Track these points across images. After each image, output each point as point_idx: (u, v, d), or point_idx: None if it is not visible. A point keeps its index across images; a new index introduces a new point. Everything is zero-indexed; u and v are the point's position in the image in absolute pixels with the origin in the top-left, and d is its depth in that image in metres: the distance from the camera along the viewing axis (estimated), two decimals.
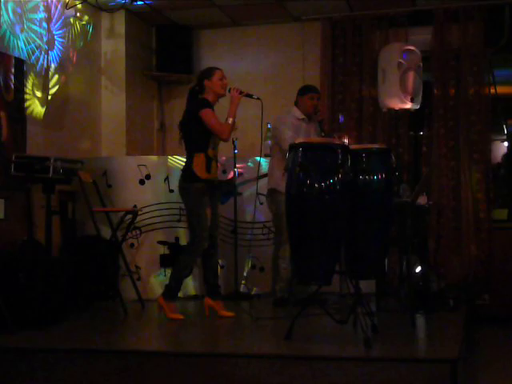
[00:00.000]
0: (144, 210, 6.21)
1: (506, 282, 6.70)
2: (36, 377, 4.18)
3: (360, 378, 3.84)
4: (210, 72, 5.37)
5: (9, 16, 5.76)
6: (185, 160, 5.36)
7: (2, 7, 5.67)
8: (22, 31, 5.92)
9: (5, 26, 5.71)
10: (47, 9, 6.31)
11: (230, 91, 5.36)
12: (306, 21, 7.44)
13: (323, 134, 5.85)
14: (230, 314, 5.35)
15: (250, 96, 5.44)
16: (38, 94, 6.14)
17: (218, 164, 5.45)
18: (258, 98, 5.43)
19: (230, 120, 5.24)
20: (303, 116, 5.99)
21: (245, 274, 6.48)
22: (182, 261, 5.29)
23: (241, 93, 5.35)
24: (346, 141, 7.01)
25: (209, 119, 5.20)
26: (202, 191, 5.21)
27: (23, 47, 5.93)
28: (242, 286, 6.42)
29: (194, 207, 5.22)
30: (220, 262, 6.55)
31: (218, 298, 5.43)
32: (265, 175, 6.29)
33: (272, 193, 5.94)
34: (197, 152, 5.22)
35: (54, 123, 6.39)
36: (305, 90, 6.03)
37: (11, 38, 5.78)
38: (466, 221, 6.90)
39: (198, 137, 5.23)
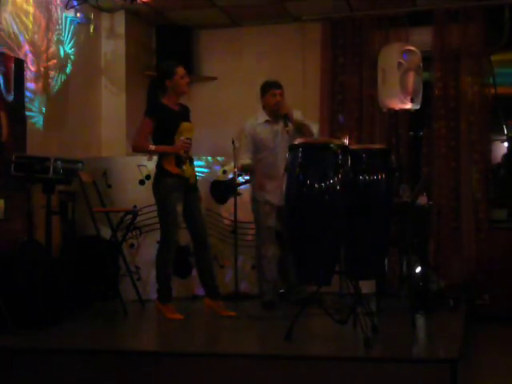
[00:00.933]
0: (144, 210, 6.20)
1: (506, 281, 6.70)
2: (36, 377, 4.18)
3: (360, 377, 3.84)
4: (171, 71, 5.30)
5: (8, 14, 5.76)
6: None
7: (2, 5, 5.67)
8: (21, 30, 5.91)
9: (4, 24, 5.70)
10: (47, 9, 6.30)
11: (181, 138, 5.23)
12: (306, 21, 7.44)
13: (287, 130, 5.60)
14: (231, 313, 5.35)
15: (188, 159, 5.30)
16: (37, 93, 6.14)
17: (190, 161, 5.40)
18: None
19: (152, 147, 5.21)
20: (266, 118, 5.84)
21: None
22: (159, 259, 5.31)
23: (185, 152, 5.23)
24: (346, 141, 7.01)
25: (139, 127, 5.27)
26: (172, 187, 5.20)
27: (23, 46, 5.93)
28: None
29: (164, 202, 5.22)
30: (220, 262, 6.59)
31: (218, 298, 5.43)
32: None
33: (252, 200, 5.95)
34: None
35: (54, 123, 6.39)
36: (265, 87, 5.84)
37: (10, 36, 5.78)
38: (466, 221, 6.90)
39: (161, 135, 5.24)
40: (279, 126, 5.77)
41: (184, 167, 5.24)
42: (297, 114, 5.77)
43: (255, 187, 5.90)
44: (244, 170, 5.92)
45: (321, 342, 4.49)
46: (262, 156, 5.81)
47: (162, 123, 5.24)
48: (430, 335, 4.94)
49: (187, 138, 5.24)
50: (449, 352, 3.96)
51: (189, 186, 5.30)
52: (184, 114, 5.38)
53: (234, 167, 6.36)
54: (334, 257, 4.39)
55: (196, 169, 5.53)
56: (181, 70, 5.31)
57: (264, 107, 5.87)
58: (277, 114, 5.76)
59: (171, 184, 5.20)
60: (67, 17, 6.62)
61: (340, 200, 4.27)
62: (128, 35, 7.32)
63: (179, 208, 5.22)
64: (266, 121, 5.85)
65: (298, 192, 4.29)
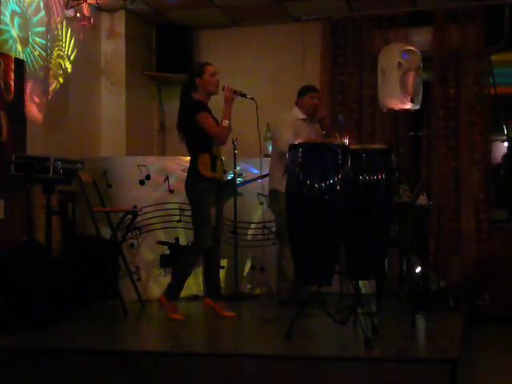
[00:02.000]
0: (144, 210, 6.20)
1: (506, 282, 6.70)
2: (36, 377, 4.17)
3: (360, 377, 3.84)
4: (201, 69, 5.32)
5: (8, 14, 5.76)
6: (186, 160, 5.35)
7: (2, 5, 5.67)
8: (21, 30, 5.91)
9: (4, 24, 5.70)
10: (47, 9, 6.31)
11: (223, 89, 5.32)
12: (306, 21, 7.44)
13: (324, 133, 5.89)
14: (230, 314, 5.35)
15: (243, 95, 5.40)
16: (37, 93, 6.14)
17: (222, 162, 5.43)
18: (252, 98, 5.40)
19: (226, 122, 5.21)
20: (304, 116, 6.02)
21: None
22: (186, 259, 5.30)
23: (234, 92, 5.31)
24: (346, 141, 7.01)
25: (205, 124, 5.19)
26: (208, 190, 5.20)
27: (22, 46, 5.94)
28: None
29: (200, 206, 5.21)
30: (220, 262, 6.59)
31: (219, 298, 5.43)
32: (264, 176, 6.29)
33: (273, 193, 5.94)
34: (201, 152, 5.21)
35: (54, 123, 6.39)
36: (305, 90, 6.06)
37: (10, 36, 5.79)
38: (466, 221, 6.91)
39: (200, 137, 5.21)
40: (314, 127, 6.03)
41: (217, 169, 5.25)
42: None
43: (279, 179, 5.68)
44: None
45: (321, 342, 4.49)
46: None
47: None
48: (430, 335, 4.94)
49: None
50: (449, 352, 3.95)
51: (220, 186, 5.33)
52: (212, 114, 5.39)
53: (234, 167, 6.37)
54: (334, 257, 4.39)
55: None
56: (211, 69, 5.32)
57: (299, 106, 6.05)
58: (313, 115, 6.03)
59: (206, 188, 5.19)
60: (67, 17, 6.62)
61: (340, 200, 4.27)
62: (128, 35, 7.32)
63: (213, 211, 5.23)
64: (304, 119, 6.04)
65: (298, 192, 4.29)
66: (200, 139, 5.21)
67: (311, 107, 6.01)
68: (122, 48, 7.29)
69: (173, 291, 5.28)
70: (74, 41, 6.76)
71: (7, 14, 5.76)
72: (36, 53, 6.13)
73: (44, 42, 6.25)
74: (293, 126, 5.92)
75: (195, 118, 5.19)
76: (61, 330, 4.94)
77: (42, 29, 6.22)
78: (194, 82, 5.29)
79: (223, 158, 5.45)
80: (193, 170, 5.25)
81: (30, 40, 6.05)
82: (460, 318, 5.34)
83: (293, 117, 6.03)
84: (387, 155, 4.69)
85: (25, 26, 5.99)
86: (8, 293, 4.83)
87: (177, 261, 6.18)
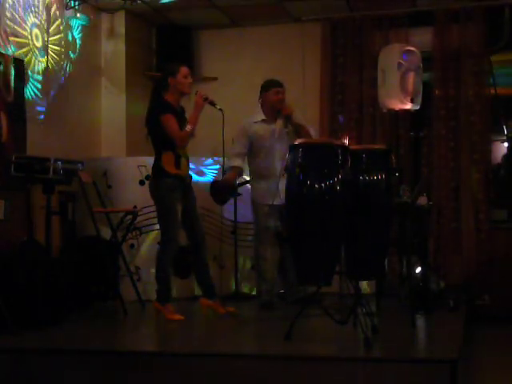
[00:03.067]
0: (144, 211, 6.20)
1: (506, 282, 6.70)
2: (36, 377, 4.18)
3: (360, 378, 3.84)
4: (174, 69, 5.30)
5: (8, 14, 5.76)
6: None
7: (2, 5, 5.67)
8: (20, 30, 5.91)
9: (4, 24, 5.70)
10: (47, 9, 6.30)
11: (195, 94, 5.31)
12: (306, 21, 7.44)
13: (287, 131, 5.63)
14: (230, 309, 5.37)
15: (213, 104, 5.38)
16: (37, 93, 6.14)
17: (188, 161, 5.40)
18: (220, 109, 5.38)
19: (189, 128, 5.19)
20: (262, 117, 5.80)
21: None
22: (159, 261, 5.28)
23: (205, 99, 5.28)
24: (346, 141, 7.01)
25: (167, 125, 5.18)
26: (172, 187, 5.19)
27: (22, 47, 5.93)
28: None
29: (164, 203, 5.21)
30: (220, 262, 6.59)
31: (215, 297, 5.43)
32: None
33: (252, 202, 5.93)
34: (165, 150, 5.22)
35: (54, 124, 6.39)
36: (268, 85, 5.81)
37: (10, 36, 5.78)
38: (466, 221, 6.90)
39: (165, 136, 5.20)
40: (276, 125, 5.76)
41: (181, 166, 5.24)
42: (296, 116, 5.76)
43: (252, 188, 5.89)
44: (229, 170, 5.85)
45: (321, 342, 4.49)
46: (258, 156, 5.80)
47: None
48: (430, 335, 4.94)
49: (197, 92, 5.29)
50: (449, 352, 3.95)
51: (186, 185, 5.30)
52: (183, 115, 5.39)
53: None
54: (334, 257, 4.39)
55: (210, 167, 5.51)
56: (184, 70, 5.30)
57: (262, 105, 5.83)
58: (278, 112, 5.73)
59: (170, 184, 5.19)
60: (67, 17, 6.62)
61: (340, 200, 4.27)
62: (128, 35, 7.32)
63: (179, 208, 5.22)
64: (263, 120, 5.81)
65: (298, 192, 4.29)
66: (164, 138, 5.20)
67: (276, 102, 5.73)
68: (121, 48, 7.28)
69: (162, 295, 5.28)
70: (74, 41, 6.76)
71: (9, 13, 5.75)
72: (36, 53, 6.12)
73: (43, 42, 6.24)
74: (245, 135, 5.78)
75: (159, 118, 5.20)
76: (61, 329, 4.94)
77: (41, 29, 6.20)
78: (167, 80, 5.29)
79: (189, 157, 5.41)
80: (156, 167, 5.25)
81: (31, 40, 6.04)
82: (460, 318, 5.34)
83: (248, 122, 5.82)
84: (387, 155, 4.69)
85: (25, 25, 5.98)
86: (8, 293, 4.83)
87: (177, 261, 6.20)
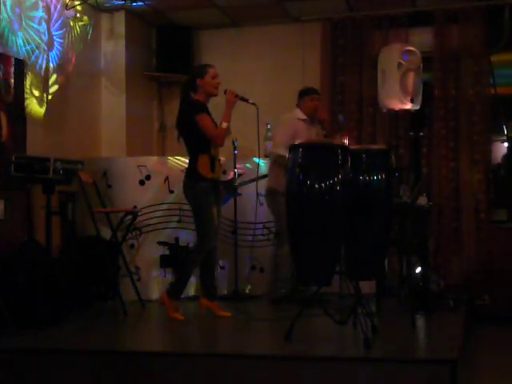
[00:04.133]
0: (144, 211, 6.20)
1: (506, 282, 6.70)
2: (36, 377, 4.18)
3: (360, 378, 3.84)
4: (202, 70, 5.33)
5: (7, 14, 5.75)
6: (186, 161, 5.35)
7: (2, 5, 5.67)
8: (20, 30, 5.91)
9: (4, 24, 5.70)
10: (47, 9, 6.31)
11: (225, 93, 5.33)
12: (306, 21, 7.44)
13: (325, 133, 5.98)
14: (226, 314, 5.35)
15: (245, 100, 5.41)
16: (37, 93, 6.14)
17: (220, 163, 5.45)
18: (254, 103, 5.39)
19: (225, 125, 5.22)
20: (305, 117, 6.08)
21: None
22: (192, 260, 5.30)
23: (236, 96, 5.32)
24: (346, 141, 7.01)
25: (204, 125, 5.19)
26: (208, 190, 5.21)
27: (22, 47, 5.93)
28: None
29: (202, 206, 5.21)
30: (220, 262, 6.59)
31: (215, 299, 5.43)
32: (264, 176, 6.29)
33: (270, 192, 5.98)
34: (200, 153, 5.22)
35: (54, 124, 6.39)
36: (306, 92, 6.14)
37: (10, 36, 5.78)
38: (466, 221, 6.90)
39: (200, 138, 5.21)
40: (314, 128, 6.13)
41: (216, 169, 5.26)
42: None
43: (276, 178, 5.85)
44: (279, 161, 5.86)
45: (321, 342, 4.49)
46: None
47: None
48: (430, 335, 4.94)
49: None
50: (449, 352, 3.96)
51: (218, 187, 5.34)
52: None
53: (234, 167, 6.38)
54: (334, 257, 4.39)
55: None
56: (213, 71, 5.32)
57: (300, 107, 6.13)
58: (313, 117, 6.11)
59: (207, 188, 5.20)
60: (67, 17, 6.62)
61: (340, 200, 4.27)
62: (128, 35, 7.32)
63: (215, 211, 5.24)
64: (304, 119, 6.09)
65: (298, 192, 4.29)
66: (199, 140, 5.21)
67: (312, 109, 6.09)
68: (122, 48, 7.28)
69: (176, 290, 5.30)
70: (74, 41, 6.76)
71: (6, 11, 5.74)
72: (35, 53, 6.12)
73: (43, 42, 6.24)
74: (292, 127, 5.96)
75: (194, 118, 5.19)
76: (61, 329, 4.94)
77: (41, 29, 6.20)
78: (195, 82, 5.30)
79: (221, 159, 5.45)
80: (192, 170, 5.25)
81: (30, 40, 6.03)
82: (460, 318, 5.34)
83: (293, 117, 6.08)
84: (387, 155, 4.69)
85: (24, 24, 5.98)
86: (8, 293, 4.83)
87: (177, 261, 6.20)
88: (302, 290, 5.71)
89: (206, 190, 5.20)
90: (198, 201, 5.22)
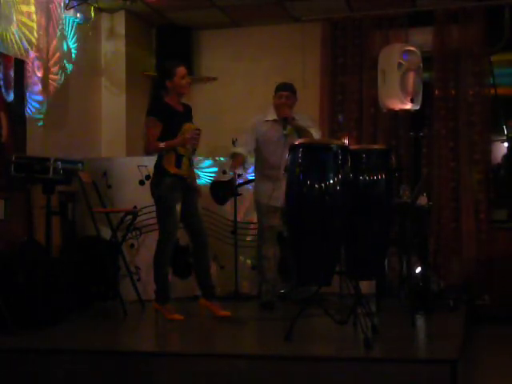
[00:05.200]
0: (144, 211, 6.19)
1: (506, 282, 6.70)
2: (36, 377, 4.18)
3: (360, 378, 3.84)
4: (171, 71, 5.25)
5: (6, 13, 5.75)
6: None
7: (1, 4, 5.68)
8: (20, 30, 5.91)
9: (3, 23, 5.70)
10: (47, 9, 6.30)
11: (190, 132, 5.18)
12: (306, 21, 7.44)
13: (285, 133, 5.64)
14: (226, 313, 5.34)
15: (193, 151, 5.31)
16: (37, 93, 6.14)
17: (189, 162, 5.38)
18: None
19: (162, 145, 5.13)
20: (274, 117, 5.84)
21: None
22: (157, 260, 5.26)
23: (193, 138, 5.18)
24: (346, 141, 7.02)
25: (146, 127, 5.21)
26: (172, 186, 5.18)
27: (22, 47, 5.93)
28: None
29: (163, 202, 5.19)
30: (220, 262, 6.59)
31: (214, 299, 5.42)
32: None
33: (254, 198, 5.97)
34: (166, 150, 5.20)
35: (54, 124, 6.39)
36: (276, 88, 5.89)
37: (9, 36, 5.78)
38: (466, 221, 6.90)
39: (164, 136, 5.18)
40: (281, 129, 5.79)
41: (183, 167, 5.23)
42: (302, 119, 5.82)
43: (256, 187, 5.91)
44: (232, 156, 5.88)
45: (321, 342, 4.49)
46: (264, 155, 5.81)
47: (164, 123, 5.20)
48: (430, 335, 4.94)
49: (197, 129, 5.21)
50: (449, 352, 3.96)
51: (187, 185, 5.29)
52: (187, 114, 5.37)
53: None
54: (334, 257, 4.39)
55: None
56: (181, 71, 5.26)
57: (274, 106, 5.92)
58: (280, 116, 5.78)
59: (171, 183, 5.18)
60: (67, 17, 6.62)
61: (340, 200, 4.27)
62: (128, 35, 7.32)
63: (178, 208, 5.21)
64: (274, 120, 5.86)
65: (298, 192, 4.29)
66: (164, 137, 5.17)
67: (277, 106, 5.81)
68: (122, 48, 7.28)
69: (161, 295, 5.27)
70: (74, 41, 6.76)
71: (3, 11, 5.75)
72: (36, 53, 6.12)
73: (44, 43, 6.24)
74: (255, 132, 5.82)
75: (146, 117, 5.23)
76: (61, 330, 4.94)
77: (42, 30, 6.20)
78: (164, 83, 5.27)
79: (192, 158, 5.39)
80: (157, 166, 5.25)
81: (30, 40, 6.03)
82: (460, 318, 5.35)
83: (259, 120, 5.89)
84: (387, 155, 4.69)
85: (26, 26, 5.98)
86: (8, 293, 4.83)
87: (176, 261, 6.20)
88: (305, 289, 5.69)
89: (170, 185, 5.17)
90: (161, 196, 5.19)
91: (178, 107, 5.31)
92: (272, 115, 5.87)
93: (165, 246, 5.23)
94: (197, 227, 5.33)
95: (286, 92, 5.83)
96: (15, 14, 5.88)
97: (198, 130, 5.22)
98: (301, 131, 5.71)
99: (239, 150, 5.85)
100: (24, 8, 6.00)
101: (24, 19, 5.96)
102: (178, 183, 5.20)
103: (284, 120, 5.71)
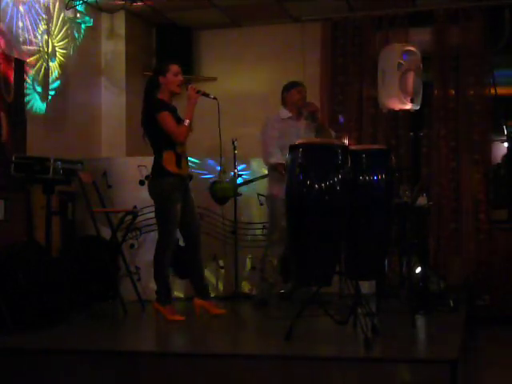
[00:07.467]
0: (144, 211, 6.20)
1: (506, 282, 6.70)
2: (36, 377, 4.17)
3: (360, 378, 3.84)
4: (164, 68, 5.26)
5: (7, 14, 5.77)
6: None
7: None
8: (20, 30, 5.91)
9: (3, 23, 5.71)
10: (47, 9, 6.30)
11: (187, 89, 5.26)
12: (306, 21, 7.44)
13: (316, 126, 5.77)
14: (221, 311, 5.33)
15: (206, 95, 5.33)
16: (37, 93, 6.14)
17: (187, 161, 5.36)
18: (215, 98, 5.33)
19: (187, 122, 5.16)
20: (290, 114, 5.91)
21: None
22: (157, 260, 5.25)
23: (198, 92, 5.25)
24: (346, 141, 7.01)
25: (165, 123, 5.14)
26: (174, 186, 5.17)
27: (22, 47, 5.94)
28: None
29: (165, 202, 5.17)
30: (220, 262, 6.60)
31: (209, 297, 5.42)
32: (263, 176, 6.28)
33: (269, 197, 5.93)
34: (165, 149, 5.17)
35: (54, 124, 6.39)
36: (292, 85, 5.97)
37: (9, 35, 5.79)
38: (466, 221, 6.90)
39: (164, 136, 5.16)
40: (301, 124, 5.89)
41: (182, 166, 5.22)
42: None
43: (274, 183, 5.81)
44: (275, 168, 5.75)
45: (321, 342, 4.49)
46: (283, 153, 5.79)
47: None
48: (430, 335, 4.94)
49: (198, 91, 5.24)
50: (449, 352, 3.95)
51: (186, 185, 5.29)
52: (176, 114, 5.36)
53: (234, 167, 6.37)
54: (334, 257, 4.39)
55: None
56: (175, 68, 5.25)
57: (286, 104, 5.94)
58: (300, 111, 5.87)
59: (172, 183, 5.17)
60: (67, 17, 6.62)
61: (340, 200, 4.27)
62: (128, 35, 7.32)
63: (178, 207, 5.21)
64: (289, 117, 5.91)
65: (298, 192, 4.29)
66: (163, 138, 5.16)
67: (299, 100, 5.89)
68: (122, 48, 7.29)
69: (162, 296, 5.25)
70: (74, 41, 6.76)
71: (10, 14, 5.75)
72: (36, 53, 6.12)
73: (44, 42, 6.24)
74: (275, 131, 5.81)
75: (156, 116, 5.17)
76: (61, 329, 4.94)
77: (41, 29, 6.20)
78: (158, 80, 5.26)
79: (188, 157, 5.39)
80: (157, 166, 5.21)
81: (30, 40, 6.03)
82: (460, 318, 5.34)
83: (276, 119, 5.89)
84: (387, 155, 4.69)
85: (26, 27, 5.98)
86: (8, 293, 4.83)
87: (177, 261, 6.19)
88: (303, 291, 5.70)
89: (170, 185, 5.15)
90: (163, 196, 5.16)
91: (170, 105, 5.30)
92: (285, 113, 5.91)
93: (165, 246, 5.23)
94: (193, 227, 5.32)
95: (303, 87, 5.96)
96: (23, 19, 5.90)
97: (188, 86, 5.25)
98: (323, 129, 5.83)
99: (274, 160, 5.73)
100: (32, 13, 6.02)
101: (24, 19, 5.96)
102: (178, 183, 5.20)
103: (313, 113, 5.83)
